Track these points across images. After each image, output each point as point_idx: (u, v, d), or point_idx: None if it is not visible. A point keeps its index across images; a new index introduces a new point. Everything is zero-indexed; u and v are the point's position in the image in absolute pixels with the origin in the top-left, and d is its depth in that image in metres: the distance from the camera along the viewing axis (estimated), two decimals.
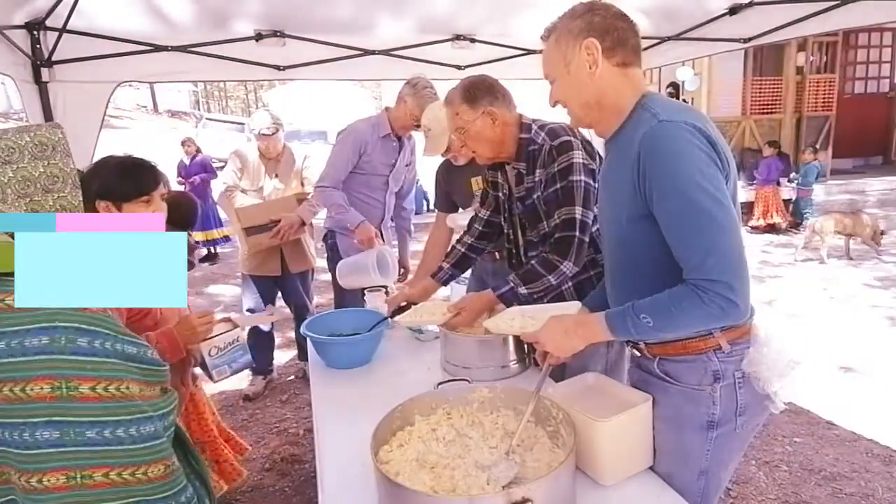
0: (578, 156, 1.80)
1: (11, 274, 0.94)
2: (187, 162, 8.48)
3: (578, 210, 1.79)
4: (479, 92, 1.86)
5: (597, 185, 1.79)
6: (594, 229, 1.89)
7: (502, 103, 1.88)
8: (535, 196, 1.91)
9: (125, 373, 0.96)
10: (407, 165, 3.23)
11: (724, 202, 1.15)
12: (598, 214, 1.56)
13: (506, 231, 2.17)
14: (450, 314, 1.92)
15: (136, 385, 0.97)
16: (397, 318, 2.08)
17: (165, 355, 1.61)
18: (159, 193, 1.72)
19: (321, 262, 3.61)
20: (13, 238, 0.97)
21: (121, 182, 1.65)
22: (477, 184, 2.60)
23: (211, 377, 1.89)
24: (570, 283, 1.97)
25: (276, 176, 3.58)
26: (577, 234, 1.79)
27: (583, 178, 1.80)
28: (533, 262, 1.86)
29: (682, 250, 1.19)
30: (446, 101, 1.93)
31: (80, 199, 1.09)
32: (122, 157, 1.73)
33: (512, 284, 1.85)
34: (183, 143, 8.83)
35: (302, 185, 3.63)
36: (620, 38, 1.28)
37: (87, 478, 0.92)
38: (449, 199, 2.77)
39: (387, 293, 2.61)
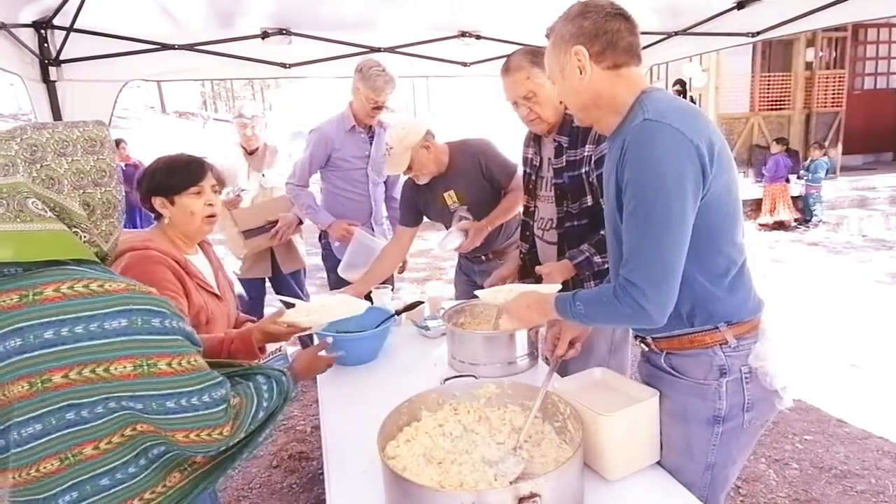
0: None
1: (83, 261, 1.04)
2: (122, 166, 7.48)
3: None
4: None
5: None
6: None
7: None
8: (582, 171, 1.89)
9: (188, 348, 1.06)
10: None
11: (677, 215, 1.15)
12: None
13: (525, 204, 2.17)
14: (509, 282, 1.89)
15: (197, 357, 1.07)
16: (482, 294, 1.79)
17: (239, 355, 1.59)
18: (209, 184, 1.72)
19: (316, 260, 3.58)
20: (70, 227, 1.04)
21: (169, 177, 1.68)
22: (451, 198, 2.53)
23: None
24: (592, 283, 1.96)
25: (263, 175, 3.47)
26: None
27: None
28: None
29: (625, 244, 1.23)
30: (512, 68, 1.90)
31: (123, 193, 1.17)
32: (172, 155, 1.75)
33: (587, 254, 1.87)
34: (117, 145, 7.40)
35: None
36: (610, 42, 1.26)
37: (170, 436, 1.05)
38: (415, 212, 2.67)
39: (392, 289, 2.61)
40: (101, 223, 1.10)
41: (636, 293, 1.17)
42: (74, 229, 1.05)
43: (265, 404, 1.19)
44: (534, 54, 1.87)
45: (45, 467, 1.00)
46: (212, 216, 1.73)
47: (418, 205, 2.66)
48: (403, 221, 2.70)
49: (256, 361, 1.61)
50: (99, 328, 0.97)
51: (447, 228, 2.51)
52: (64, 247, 1.01)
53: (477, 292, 1.80)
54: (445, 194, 2.54)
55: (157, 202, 1.68)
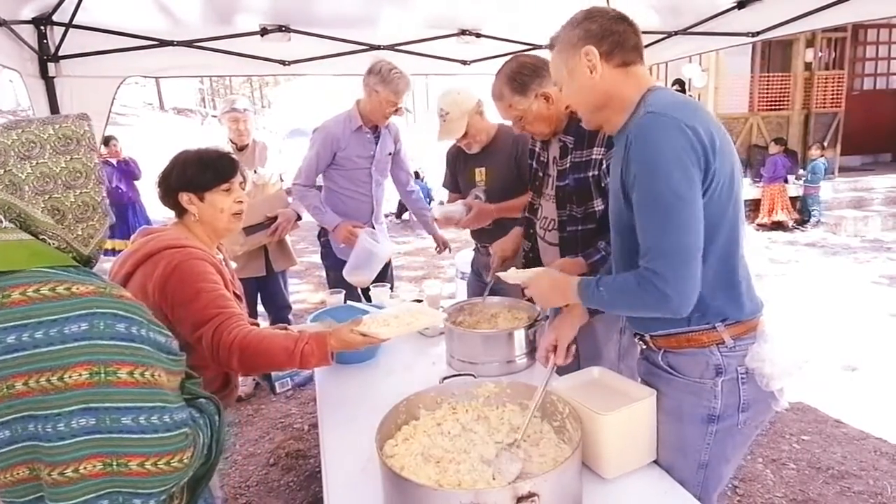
0: None
1: (52, 267, 0.96)
2: (114, 163, 7.27)
3: None
4: (526, 78, 1.85)
5: None
6: None
7: (551, 80, 1.83)
8: (590, 173, 1.83)
9: (156, 360, 0.98)
10: (390, 154, 3.18)
11: (687, 198, 1.17)
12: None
13: (530, 202, 2.15)
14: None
15: (164, 374, 0.99)
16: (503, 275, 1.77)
17: (311, 358, 1.51)
18: (238, 181, 1.70)
19: (314, 259, 3.55)
20: (36, 235, 0.98)
21: (201, 173, 1.64)
22: (480, 174, 2.61)
23: (273, 388, 1.81)
24: None
25: (255, 171, 3.43)
26: None
27: None
28: None
29: (640, 237, 1.23)
30: (495, 97, 1.91)
31: (104, 193, 1.08)
32: (200, 149, 1.71)
33: (603, 253, 1.79)
34: (107, 143, 7.09)
35: (281, 179, 3.54)
36: (618, 41, 1.31)
37: (122, 465, 0.94)
38: (456, 180, 2.80)
39: (391, 288, 2.60)
40: (75, 228, 1.02)
41: (657, 279, 1.18)
42: (41, 237, 0.99)
43: (205, 440, 1.10)
44: (513, 79, 1.86)
45: (17, 474, 0.96)
46: (239, 213, 1.71)
47: (454, 170, 2.77)
48: (446, 185, 2.88)
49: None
50: (58, 333, 0.91)
51: None
52: (31, 256, 0.95)
53: (500, 274, 1.77)
54: (477, 169, 2.62)
55: (185, 198, 1.63)
